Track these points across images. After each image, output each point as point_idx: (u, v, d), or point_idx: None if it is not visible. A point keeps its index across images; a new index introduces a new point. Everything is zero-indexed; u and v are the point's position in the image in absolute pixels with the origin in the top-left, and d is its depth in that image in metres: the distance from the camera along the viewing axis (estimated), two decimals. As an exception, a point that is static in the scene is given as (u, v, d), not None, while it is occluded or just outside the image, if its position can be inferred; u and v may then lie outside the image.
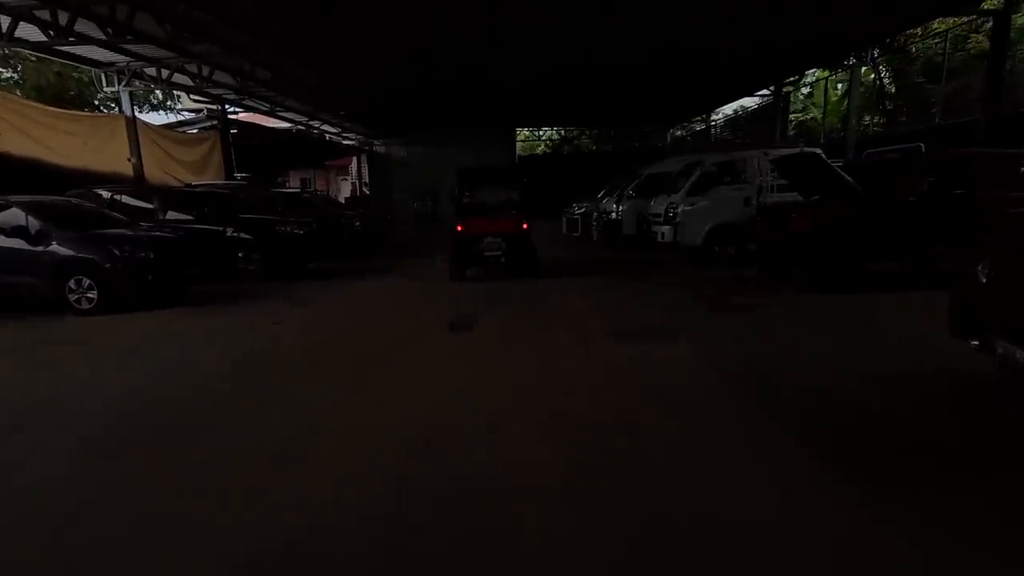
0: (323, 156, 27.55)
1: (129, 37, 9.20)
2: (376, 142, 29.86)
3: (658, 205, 10.04)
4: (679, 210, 9.46)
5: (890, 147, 9.40)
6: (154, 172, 13.50)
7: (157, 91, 22.79)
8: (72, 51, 10.67)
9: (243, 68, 12.21)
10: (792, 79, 15.76)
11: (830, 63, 13.78)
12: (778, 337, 5.08)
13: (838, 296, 6.52)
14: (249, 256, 9.34)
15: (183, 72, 12.32)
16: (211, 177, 15.42)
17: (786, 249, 7.25)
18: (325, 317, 6.61)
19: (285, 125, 23.16)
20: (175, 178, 13.92)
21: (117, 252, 6.94)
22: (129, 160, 12.57)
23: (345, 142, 28.36)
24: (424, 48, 12.19)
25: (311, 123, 22.00)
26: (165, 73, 12.19)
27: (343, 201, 31.30)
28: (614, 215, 12.21)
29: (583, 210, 14.42)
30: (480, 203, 9.84)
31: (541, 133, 31.84)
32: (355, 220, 12.63)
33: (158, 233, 7.97)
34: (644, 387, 3.86)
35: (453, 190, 9.74)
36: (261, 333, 5.81)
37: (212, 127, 16.19)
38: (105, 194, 9.59)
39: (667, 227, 9.59)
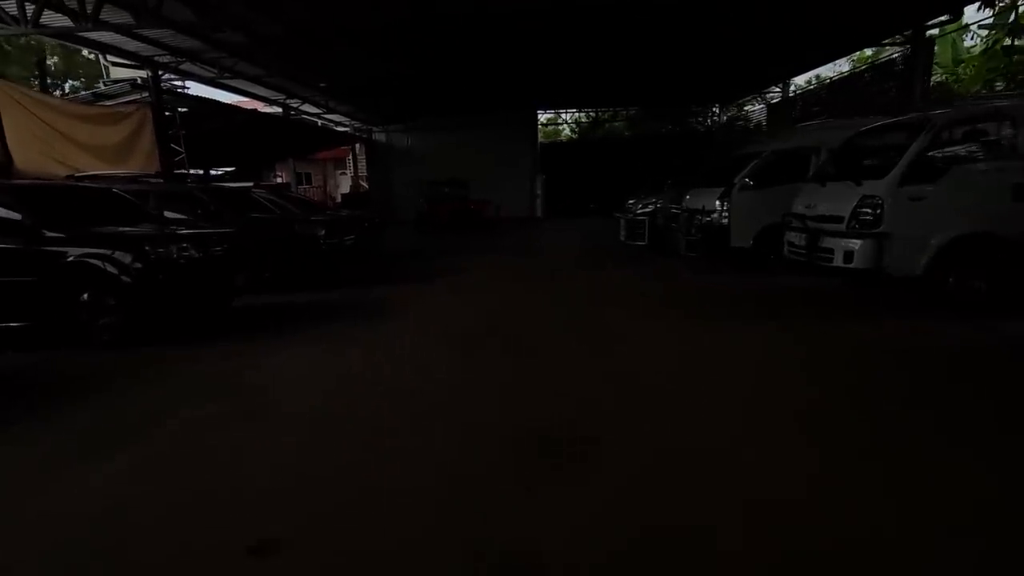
0: (310, 146, 23.31)
1: None
2: (375, 129, 25.68)
3: (833, 201, 5.65)
4: (885, 209, 5.08)
5: None
6: (37, 159, 9.43)
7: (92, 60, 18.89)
8: None
9: (146, 2, 8.03)
10: (942, 19, 11.20)
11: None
12: None
13: None
14: (100, 302, 5.19)
15: (57, 8, 8.15)
16: (139, 166, 11.32)
17: None
18: (141, 515, 2.37)
19: (271, 109, 19.08)
20: (75, 168, 9.79)
21: None
22: (-14, 142, 8.52)
23: (339, 129, 24.20)
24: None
25: (289, 102, 17.81)
26: (31, 9, 8.05)
27: (339, 199, 27.24)
28: (716, 216, 7.84)
29: (650, 208, 10.07)
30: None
31: (568, 115, 27.37)
32: (318, 229, 8.39)
33: None
34: None
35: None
36: None
37: (142, 101, 12.06)
38: None
39: (859, 242, 5.22)
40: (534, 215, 23.81)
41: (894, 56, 15.76)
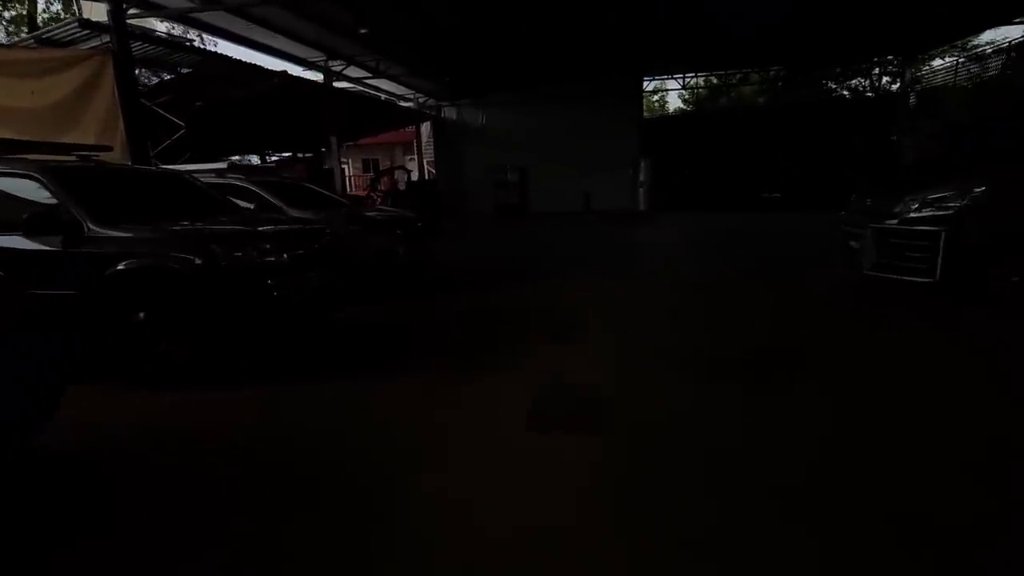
0: (363, 125, 19.28)
1: None
2: (444, 104, 21.64)
3: None
4: None
5: None
6: None
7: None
8: None
9: None
10: None
11: None
12: None
13: None
14: None
15: None
16: (94, 138, 7.75)
17: None
18: None
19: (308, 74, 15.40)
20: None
21: None
22: None
23: (402, 104, 20.31)
24: None
25: (331, 65, 13.93)
26: None
27: (401, 187, 23.41)
28: None
29: (940, 212, 4.97)
30: None
31: (678, 82, 21.81)
32: (271, 251, 4.12)
33: None
34: None
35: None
36: None
37: (105, 47, 8.46)
38: None
39: None
40: (636, 208, 18.76)
41: None
